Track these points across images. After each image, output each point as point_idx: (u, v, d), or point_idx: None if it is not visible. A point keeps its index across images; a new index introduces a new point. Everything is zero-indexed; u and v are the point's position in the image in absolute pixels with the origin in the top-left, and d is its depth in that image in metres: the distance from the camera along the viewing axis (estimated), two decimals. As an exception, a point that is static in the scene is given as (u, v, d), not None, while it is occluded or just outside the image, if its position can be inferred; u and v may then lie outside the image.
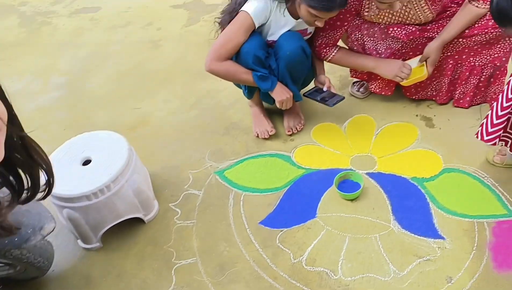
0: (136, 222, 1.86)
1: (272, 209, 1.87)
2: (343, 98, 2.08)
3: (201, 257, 1.74)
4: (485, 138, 1.70)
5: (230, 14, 1.90)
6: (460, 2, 1.96)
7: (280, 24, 1.93)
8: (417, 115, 2.18)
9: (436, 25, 1.98)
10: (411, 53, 2.06)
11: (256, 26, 1.88)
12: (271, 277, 1.64)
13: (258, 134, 2.17)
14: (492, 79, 2.05)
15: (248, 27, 1.87)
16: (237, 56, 1.93)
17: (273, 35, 1.95)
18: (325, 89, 2.06)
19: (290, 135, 2.18)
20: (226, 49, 1.89)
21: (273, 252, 1.71)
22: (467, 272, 1.56)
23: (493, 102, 2.08)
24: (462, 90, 2.11)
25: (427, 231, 1.70)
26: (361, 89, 2.32)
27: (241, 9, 1.85)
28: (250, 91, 2.14)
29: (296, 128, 2.19)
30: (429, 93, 2.20)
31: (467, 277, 1.54)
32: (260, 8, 1.84)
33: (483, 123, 1.71)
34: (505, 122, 1.65)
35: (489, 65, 2.00)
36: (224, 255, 1.73)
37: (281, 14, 1.89)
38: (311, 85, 2.18)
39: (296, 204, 1.87)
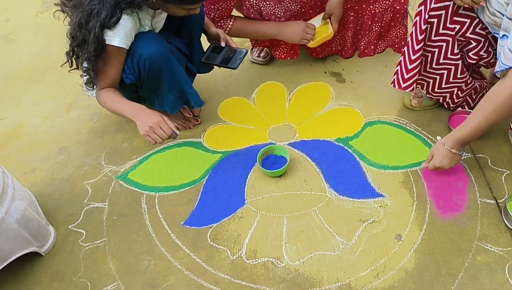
0: (31, 257, 1.50)
1: (194, 206, 1.62)
2: (246, 52, 1.75)
3: (123, 279, 1.45)
4: (402, 85, 1.62)
5: (89, 48, 1.50)
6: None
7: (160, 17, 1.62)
8: (325, 72, 2.05)
9: (333, -22, 1.84)
10: (311, 12, 1.89)
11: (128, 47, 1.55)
12: (212, 282, 1.41)
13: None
14: (392, 23, 1.99)
15: (121, 56, 1.56)
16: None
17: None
18: (223, 44, 1.73)
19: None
20: (107, 82, 1.61)
21: (207, 254, 1.48)
22: (415, 225, 1.48)
23: (398, 48, 2.04)
24: (366, 40, 2.03)
25: (365, 192, 1.59)
26: (262, 54, 2.12)
27: (106, 42, 1.48)
28: (174, 107, 1.77)
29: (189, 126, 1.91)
30: (334, 48, 2.08)
31: (416, 231, 1.47)
32: (123, 34, 1.49)
33: (397, 70, 1.62)
34: (419, 66, 1.57)
35: (388, 9, 1.93)
36: (150, 270, 1.46)
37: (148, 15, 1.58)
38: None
39: (220, 194, 1.65)
